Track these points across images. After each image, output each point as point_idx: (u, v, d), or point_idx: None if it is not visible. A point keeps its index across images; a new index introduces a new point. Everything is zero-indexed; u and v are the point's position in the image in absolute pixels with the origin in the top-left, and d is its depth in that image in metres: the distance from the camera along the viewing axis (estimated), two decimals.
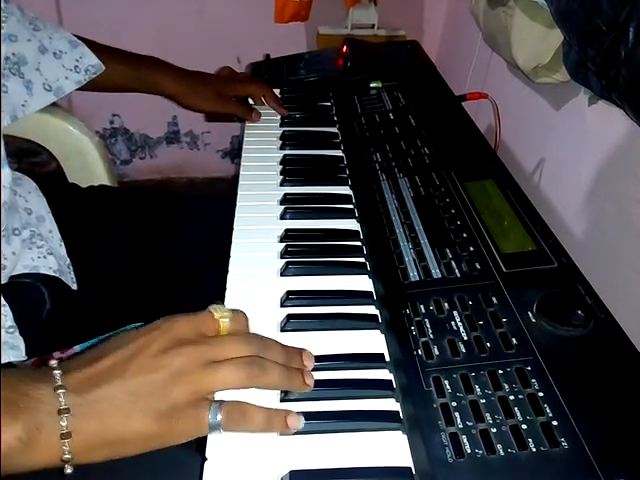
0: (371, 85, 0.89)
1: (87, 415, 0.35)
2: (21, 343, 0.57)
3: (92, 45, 0.72)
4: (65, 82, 0.68)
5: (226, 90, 0.83)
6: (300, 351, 0.43)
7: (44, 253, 0.63)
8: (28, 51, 0.65)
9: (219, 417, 0.37)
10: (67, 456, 0.34)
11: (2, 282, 0.58)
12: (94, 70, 0.71)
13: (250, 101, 0.87)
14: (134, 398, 0.36)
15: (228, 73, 0.87)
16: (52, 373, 0.36)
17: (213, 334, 0.40)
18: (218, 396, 0.39)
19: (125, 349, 0.37)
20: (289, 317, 0.49)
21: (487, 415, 0.39)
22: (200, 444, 0.40)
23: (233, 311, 0.42)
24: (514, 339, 0.45)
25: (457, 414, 0.40)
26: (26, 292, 0.60)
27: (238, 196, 0.66)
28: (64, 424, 0.34)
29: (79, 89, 0.71)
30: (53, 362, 0.37)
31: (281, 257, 0.57)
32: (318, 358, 0.45)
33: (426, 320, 0.47)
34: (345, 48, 0.98)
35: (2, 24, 0.53)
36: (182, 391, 0.37)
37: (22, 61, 0.64)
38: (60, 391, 0.35)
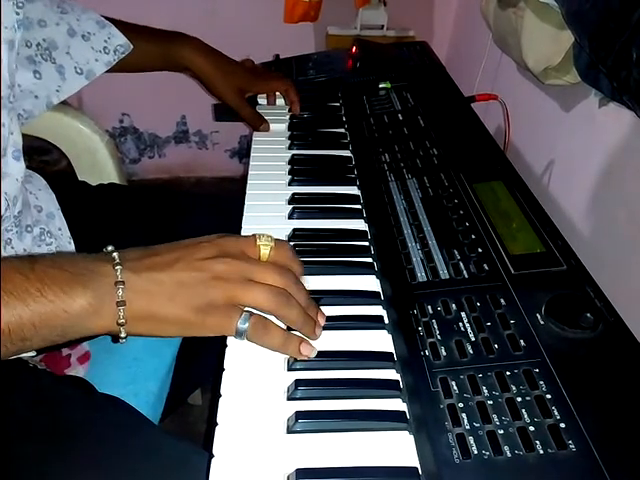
0: (380, 86, 0.89)
1: (138, 291, 0.40)
2: None
3: (118, 24, 0.71)
4: (95, 64, 0.68)
5: (250, 86, 0.82)
6: (318, 306, 0.47)
7: (53, 250, 0.63)
8: (58, 35, 0.64)
9: (246, 325, 0.42)
10: (121, 320, 0.40)
11: None
12: (122, 50, 0.71)
13: (263, 100, 0.87)
14: (179, 287, 0.41)
15: (251, 66, 0.87)
16: (111, 255, 0.41)
17: (254, 258, 0.45)
18: None
19: (177, 250, 0.43)
20: None
21: (494, 416, 0.39)
22: (207, 441, 0.40)
23: (277, 242, 0.46)
24: (522, 341, 0.44)
25: (464, 415, 0.39)
26: None
27: (246, 195, 0.66)
28: (120, 294, 0.40)
29: (108, 71, 0.70)
30: (110, 247, 0.42)
31: None
32: (326, 356, 0.45)
33: (433, 321, 0.47)
34: (354, 49, 0.98)
35: (18, 9, 0.52)
36: (220, 293, 0.42)
37: (52, 46, 0.64)
38: (118, 267, 0.40)
